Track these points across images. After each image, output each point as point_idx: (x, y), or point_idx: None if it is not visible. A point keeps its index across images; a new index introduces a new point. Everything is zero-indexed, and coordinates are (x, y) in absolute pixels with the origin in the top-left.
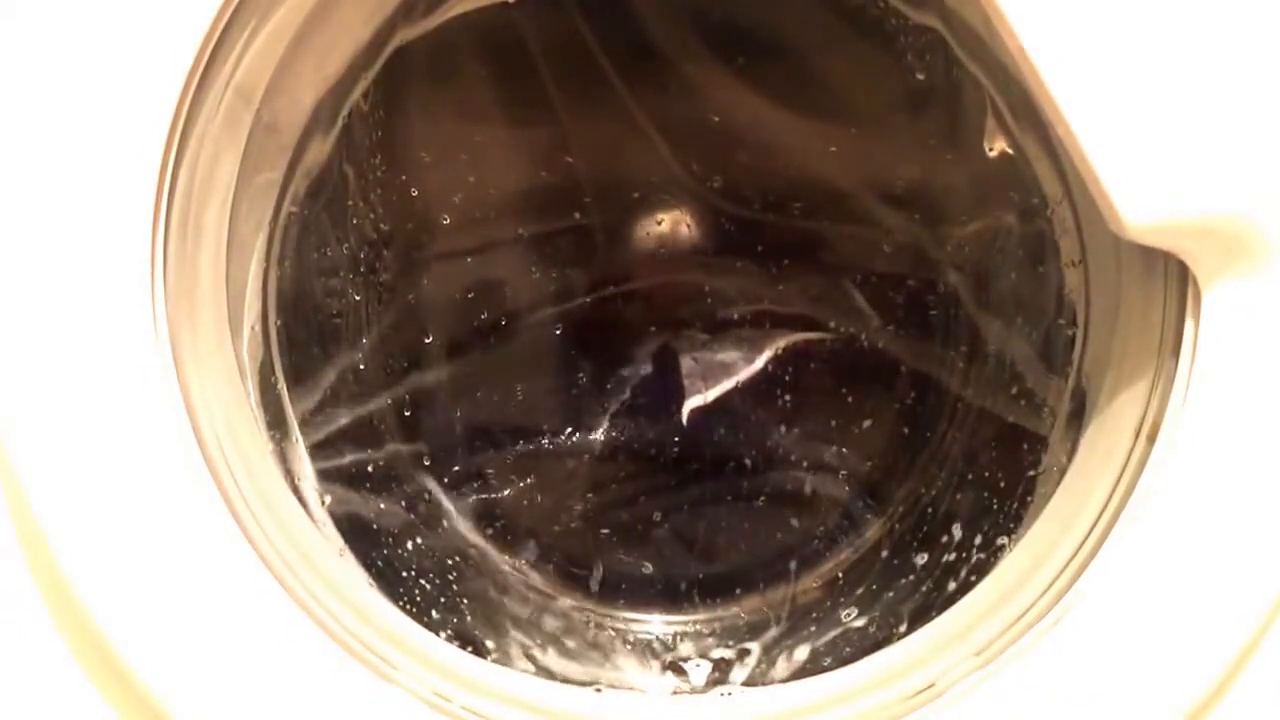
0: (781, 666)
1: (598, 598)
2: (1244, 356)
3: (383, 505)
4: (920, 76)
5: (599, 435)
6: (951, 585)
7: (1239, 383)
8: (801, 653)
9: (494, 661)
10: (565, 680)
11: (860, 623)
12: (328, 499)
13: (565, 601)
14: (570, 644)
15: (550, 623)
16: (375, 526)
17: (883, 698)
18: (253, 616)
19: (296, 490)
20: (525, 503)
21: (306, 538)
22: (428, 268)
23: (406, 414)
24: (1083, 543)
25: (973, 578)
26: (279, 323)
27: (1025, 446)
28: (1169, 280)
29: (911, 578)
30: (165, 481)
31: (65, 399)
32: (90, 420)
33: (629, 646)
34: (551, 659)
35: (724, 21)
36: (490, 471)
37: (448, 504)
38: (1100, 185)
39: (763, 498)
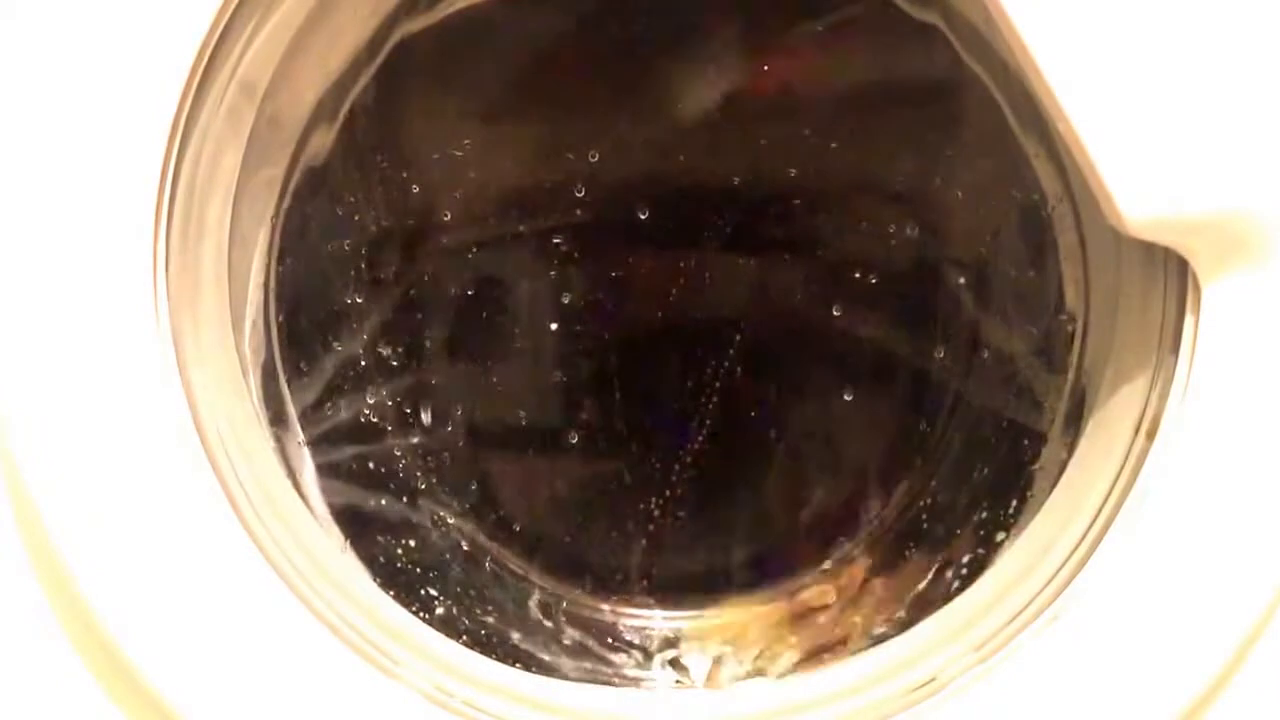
0: (781, 662)
1: (598, 593)
2: (1244, 353)
3: (384, 501)
4: (921, 74)
5: (599, 432)
6: (951, 581)
7: (1239, 379)
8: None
9: (495, 657)
10: (566, 675)
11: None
12: (329, 494)
13: (565, 597)
14: (571, 639)
15: (551, 618)
16: (376, 522)
17: (882, 692)
18: (255, 612)
19: (298, 485)
20: (525, 498)
21: (308, 533)
22: (429, 263)
23: (407, 410)
24: (1082, 539)
25: (972, 573)
26: (280, 318)
27: (1025, 443)
28: (1169, 276)
29: (911, 575)
30: (167, 477)
31: (67, 394)
32: (92, 415)
33: (629, 642)
34: (552, 654)
35: (723, 19)
36: (491, 467)
37: (448, 499)
38: (1101, 181)
39: (762, 495)
